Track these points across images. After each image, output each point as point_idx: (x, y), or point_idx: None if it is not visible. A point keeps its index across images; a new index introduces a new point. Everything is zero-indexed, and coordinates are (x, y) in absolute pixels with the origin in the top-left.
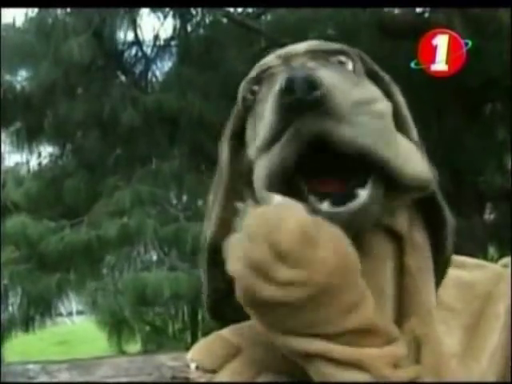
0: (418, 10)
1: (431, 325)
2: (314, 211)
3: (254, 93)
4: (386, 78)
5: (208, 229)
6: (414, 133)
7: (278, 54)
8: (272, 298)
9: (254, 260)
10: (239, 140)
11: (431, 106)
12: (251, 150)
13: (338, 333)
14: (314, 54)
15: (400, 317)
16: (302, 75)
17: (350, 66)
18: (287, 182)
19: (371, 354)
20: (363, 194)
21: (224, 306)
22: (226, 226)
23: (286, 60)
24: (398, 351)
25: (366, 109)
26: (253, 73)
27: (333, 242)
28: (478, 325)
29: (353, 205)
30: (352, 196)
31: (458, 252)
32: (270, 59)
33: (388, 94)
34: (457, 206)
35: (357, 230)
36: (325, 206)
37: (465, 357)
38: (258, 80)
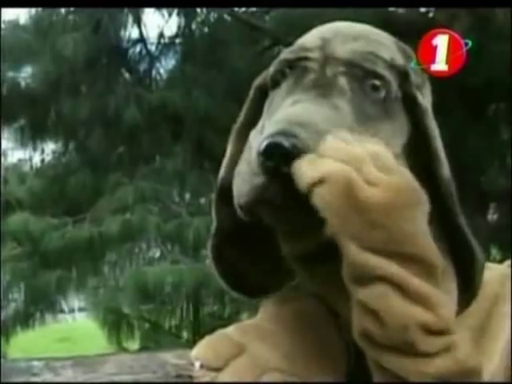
0: (422, 9)
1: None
2: None
3: (284, 75)
4: (423, 106)
5: (220, 170)
6: (445, 169)
7: (322, 44)
8: (369, 198)
9: (353, 157)
10: (263, 94)
11: (434, 106)
12: (254, 130)
13: (412, 256)
14: (352, 68)
15: None
16: (283, 146)
17: (382, 93)
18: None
19: (443, 297)
20: None
21: (228, 247)
22: (235, 167)
23: (325, 61)
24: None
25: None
26: (291, 54)
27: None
28: (488, 325)
29: None
30: None
31: None
32: (312, 46)
33: (421, 125)
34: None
35: None
36: None
37: (476, 355)
38: (293, 65)
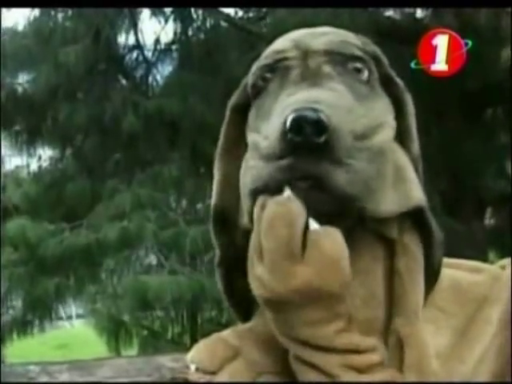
0: (418, 15)
1: (416, 325)
2: None
3: (265, 80)
4: (401, 84)
5: (212, 197)
6: (415, 146)
7: (296, 44)
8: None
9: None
10: (239, 113)
11: (432, 110)
12: (249, 136)
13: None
14: (332, 56)
15: (389, 317)
16: (312, 117)
17: (365, 74)
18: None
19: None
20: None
21: (236, 274)
22: (226, 191)
23: (304, 56)
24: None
25: (365, 145)
26: (267, 60)
27: (318, 264)
28: (469, 327)
29: None
30: None
31: (458, 256)
32: (286, 47)
33: (399, 103)
34: (457, 210)
35: None
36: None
37: (450, 358)
38: (273, 68)
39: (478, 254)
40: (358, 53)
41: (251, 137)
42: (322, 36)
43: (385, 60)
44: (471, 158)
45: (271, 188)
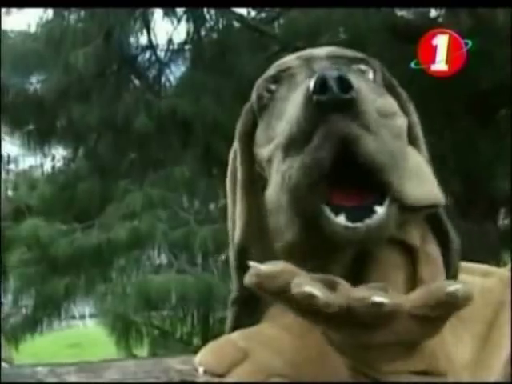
0: (432, 14)
1: (441, 335)
2: (330, 223)
3: (271, 91)
4: (404, 94)
5: (234, 233)
6: (424, 154)
7: (298, 56)
8: None
9: None
10: (250, 139)
11: (444, 110)
12: (264, 150)
13: None
14: (335, 59)
15: None
16: (336, 74)
17: (370, 75)
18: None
19: None
20: (381, 211)
21: (246, 316)
22: (251, 228)
23: (307, 62)
24: None
25: (388, 123)
26: (271, 72)
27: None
28: (491, 333)
29: (371, 221)
30: (369, 212)
31: (472, 257)
32: (290, 60)
33: (404, 111)
34: (470, 211)
35: (371, 245)
36: (341, 219)
37: (478, 367)
38: (277, 79)
39: (492, 255)
40: (361, 55)
41: (264, 149)
42: (323, 48)
43: (386, 71)
44: (484, 159)
45: (319, 171)
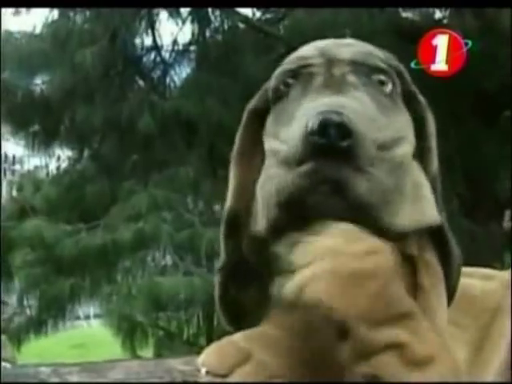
0: (437, 16)
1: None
2: None
3: (288, 85)
4: (423, 102)
5: (227, 200)
6: (435, 166)
7: (321, 52)
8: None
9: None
10: (256, 117)
11: (449, 112)
12: (267, 143)
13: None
14: (356, 66)
15: None
16: (336, 121)
17: (388, 87)
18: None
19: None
20: None
21: (231, 283)
22: (241, 195)
23: (329, 64)
24: None
25: (387, 156)
26: (291, 65)
27: None
28: (485, 341)
29: None
30: None
31: (476, 258)
32: (311, 54)
33: (420, 121)
34: (475, 213)
35: None
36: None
37: (476, 370)
38: (296, 74)
39: (495, 256)
40: (383, 65)
41: (269, 143)
42: (348, 46)
43: (408, 76)
44: (489, 160)
45: (295, 197)
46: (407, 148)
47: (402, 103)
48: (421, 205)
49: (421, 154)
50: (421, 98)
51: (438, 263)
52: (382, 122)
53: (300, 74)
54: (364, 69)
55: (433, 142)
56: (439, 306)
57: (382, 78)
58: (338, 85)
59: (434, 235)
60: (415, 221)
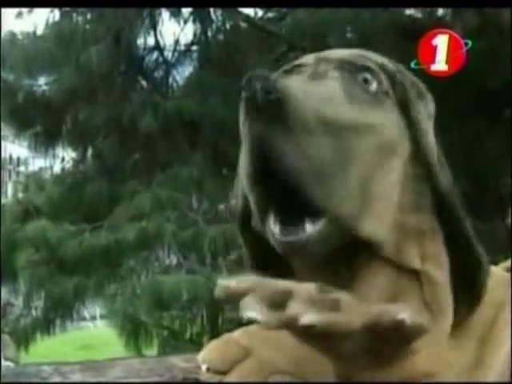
0: (439, 14)
1: (438, 340)
2: (270, 230)
3: None
4: (422, 114)
5: (236, 199)
6: (443, 178)
7: (317, 54)
8: None
9: None
10: None
11: (452, 109)
12: None
13: None
14: (343, 64)
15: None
16: (263, 75)
17: (373, 86)
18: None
19: None
20: (311, 230)
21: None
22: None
23: (317, 63)
24: None
25: (337, 134)
26: (287, 66)
27: None
28: (491, 332)
29: (298, 238)
30: (301, 230)
31: None
32: (307, 58)
33: (415, 133)
34: (478, 209)
35: (308, 257)
36: (277, 230)
37: (478, 367)
38: (287, 73)
39: (500, 252)
40: (371, 65)
41: None
42: (346, 50)
43: (407, 84)
44: (492, 157)
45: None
46: (372, 142)
47: (392, 106)
48: (374, 214)
49: (421, 166)
50: (419, 107)
51: (443, 274)
52: (342, 106)
53: (291, 72)
54: (350, 67)
55: (429, 156)
56: (442, 321)
57: (368, 76)
58: (317, 78)
59: (458, 244)
60: (365, 226)
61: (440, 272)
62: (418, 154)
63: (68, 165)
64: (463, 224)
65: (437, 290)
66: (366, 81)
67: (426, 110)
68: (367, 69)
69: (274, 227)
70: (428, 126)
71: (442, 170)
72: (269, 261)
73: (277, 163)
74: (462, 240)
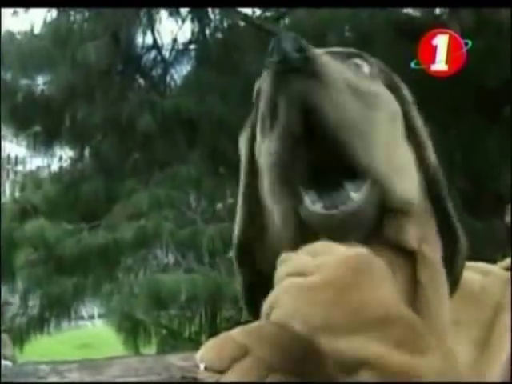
0: (436, 12)
1: (447, 342)
2: (308, 212)
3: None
4: (408, 98)
5: (235, 229)
6: (431, 155)
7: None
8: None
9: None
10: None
11: (450, 107)
12: (257, 142)
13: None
14: (332, 53)
15: None
16: (290, 36)
17: (365, 68)
18: (285, 175)
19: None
20: (357, 198)
21: (261, 300)
22: (251, 225)
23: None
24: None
25: (363, 95)
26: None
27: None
28: (490, 336)
29: (346, 208)
30: (346, 199)
31: (478, 254)
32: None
33: (405, 115)
34: (476, 208)
35: (349, 232)
36: (318, 207)
37: (479, 372)
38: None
39: (498, 251)
40: (361, 53)
41: (257, 137)
42: (335, 48)
43: (390, 72)
44: (490, 156)
45: (287, 157)
46: (393, 109)
47: (383, 87)
48: (407, 178)
49: (416, 147)
50: (406, 93)
51: (439, 257)
52: (354, 76)
53: None
54: (339, 56)
55: (420, 133)
56: (439, 303)
57: (358, 61)
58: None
59: (442, 220)
60: (407, 191)
61: (435, 253)
62: (410, 132)
63: (66, 163)
64: (448, 205)
65: (433, 271)
66: (357, 65)
67: (409, 96)
68: (356, 55)
69: (312, 205)
70: (413, 109)
71: (430, 148)
72: (262, 295)
73: (320, 119)
74: (446, 221)
